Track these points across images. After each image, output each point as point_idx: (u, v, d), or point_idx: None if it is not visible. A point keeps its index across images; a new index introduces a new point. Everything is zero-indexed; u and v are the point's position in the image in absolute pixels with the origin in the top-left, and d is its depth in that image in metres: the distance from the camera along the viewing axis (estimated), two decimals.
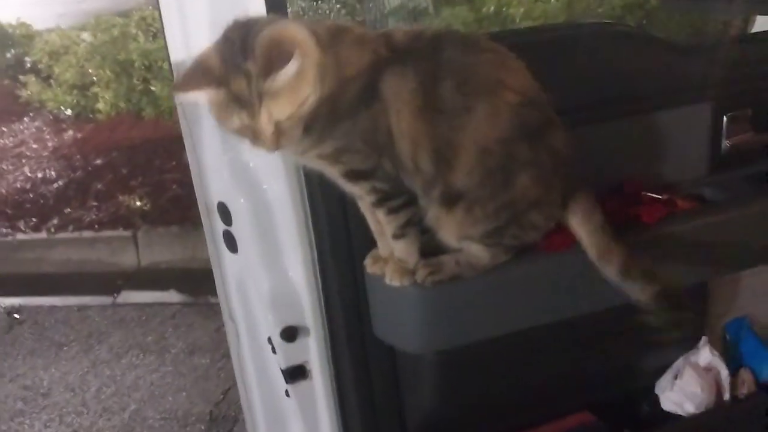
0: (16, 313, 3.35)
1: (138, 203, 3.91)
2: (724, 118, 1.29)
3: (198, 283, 3.14)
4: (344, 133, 0.90)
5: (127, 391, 2.72)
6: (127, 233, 3.72)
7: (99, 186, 4.13)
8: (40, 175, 4.41)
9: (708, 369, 1.43)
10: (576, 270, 1.08)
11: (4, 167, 4.63)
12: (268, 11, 0.98)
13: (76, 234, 3.79)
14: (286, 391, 1.20)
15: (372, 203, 0.99)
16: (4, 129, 5.17)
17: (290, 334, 1.14)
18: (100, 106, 4.84)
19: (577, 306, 1.12)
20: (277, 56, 0.80)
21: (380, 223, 1.03)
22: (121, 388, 2.74)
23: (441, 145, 0.93)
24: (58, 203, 4.05)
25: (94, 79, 4.91)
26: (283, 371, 1.16)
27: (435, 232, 1.01)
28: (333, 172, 0.96)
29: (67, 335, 3.13)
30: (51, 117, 5.13)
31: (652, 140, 1.25)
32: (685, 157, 1.29)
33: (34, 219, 3.95)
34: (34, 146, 4.83)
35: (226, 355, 1.28)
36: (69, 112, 5.05)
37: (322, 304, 1.14)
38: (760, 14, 1.74)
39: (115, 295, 3.42)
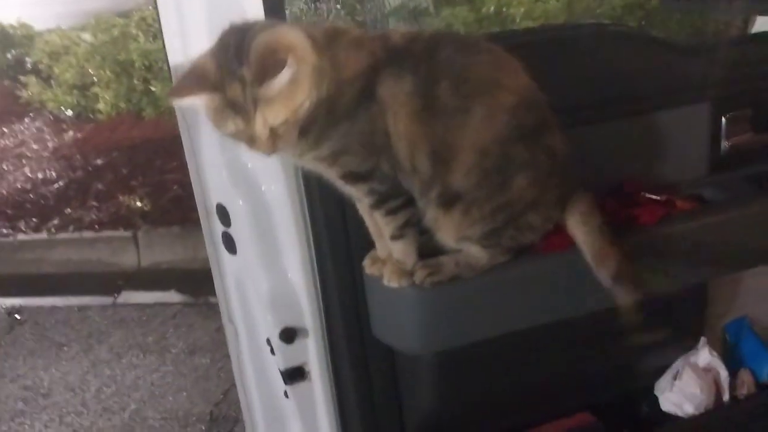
0: (16, 313, 3.35)
1: (138, 203, 3.91)
2: (723, 119, 1.29)
3: (198, 283, 3.14)
4: (342, 136, 0.90)
5: (127, 391, 2.72)
6: (128, 233, 3.72)
7: (99, 186, 4.14)
8: (40, 175, 4.41)
9: (707, 370, 1.43)
10: (574, 271, 1.08)
11: (5, 168, 4.63)
12: (266, 14, 0.98)
13: (76, 234, 3.79)
14: (285, 393, 1.20)
15: (370, 205, 0.99)
16: (5, 129, 5.18)
17: (289, 335, 1.14)
18: (101, 106, 4.85)
19: (575, 306, 1.12)
20: (271, 63, 0.81)
21: (378, 224, 1.03)
22: (121, 388, 2.74)
23: (438, 146, 0.93)
24: (58, 203, 4.06)
25: (95, 79, 4.91)
26: (282, 372, 1.16)
27: (433, 233, 1.01)
28: (331, 174, 0.96)
29: (67, 335, 3.13)
30: (51, 117, 5.13)
31: (652, 141, 1.25)
32: (685, 157, 1.29)
33: (34, 219, 3.95)
34: (35, 147, 4.83)
35: (227, 356, 1.28)
36: (69, 112, 5.06)
37: (321, 305, 1.14)
38: (760, 14, 1.74)
39: (116, 295, 3.42)
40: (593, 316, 1.11)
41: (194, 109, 0.90)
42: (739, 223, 1.22)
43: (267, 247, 1.12)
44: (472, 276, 1.03)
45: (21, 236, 3.87)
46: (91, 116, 4.96)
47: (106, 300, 3.39)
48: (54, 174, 4.39)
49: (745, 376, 1.49)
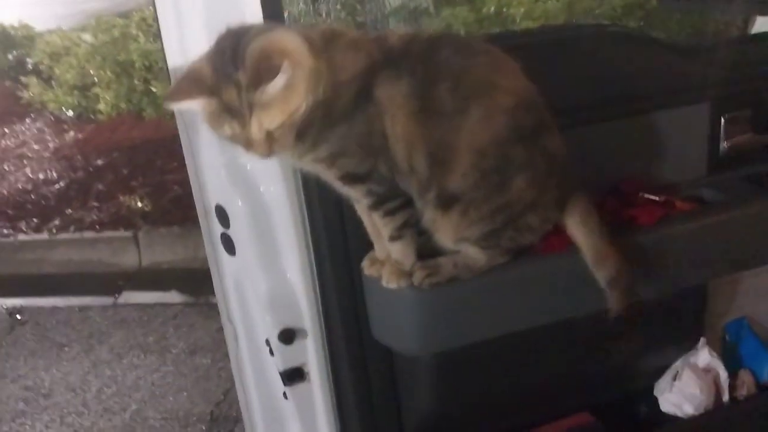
0: (17, 313, 3.36)
1: (139, 204, 3.91)
2: (723, 119, 1.29)
3: (199, 283, 3.14)
4: (339, 138, 0.90)
5: (128, 392, 2.72)
6: (129, 234, 3.73)
7: (100, 186, 4.14)
8: (41, 175, 4.42)
9: (707, 370, 1.43)
10: (573, 272, 1.08)
11: (6, 168, 4.64)
12: (264, 16, 0.98)
13: (77, 234, 3.80)
14: (285, 393, 1.20)
15: (368, 206, 0.99)
16: (6, 130, 5.19)
17: (288, 336, 1.14)
18: (101, 106, 4.86)
19: (574, 307, 1.12)
20: (266, 68, 0.81)
21: (377, 225, 1.03)
22: (122, 388, 2.75)
23: (436, 147, 0.93)
24: (59, 204, 4.06)
25: (95, 79, 4.92)
26: (281, 373, 1.16)
27: (431, 234, 1.01)
28: (329, 176, 0.96)
29: (68, 336, 3.14)
30: (52, 118, 5.15)
31: (651, 141, 1.25)
32: (684, 158, 1.29)
33: (35, 220, 3.96)
34: (36, 147, 4.84)
35: (227, 356, 1.28)
36: (70, 112, 5.07)
37: (320, 306, 1.14)
38: (759, 15, 1.73)
39: (117, 295, 3.43)
40: (592, 316, 1.11)
41: (192, 112, 0.90)
42: (738, 224, 1.22)
43: (266, 248, 1.12)
44: (470, 277, 1.03)
45: (22, 236, 3.88)
46: (92, 117, 4.97)
47: (107, 300, 3.40)
48: (55, 174, 4.40)
49: (744, 377, 1.48)
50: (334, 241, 1.10)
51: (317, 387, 1.19)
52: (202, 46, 0.89)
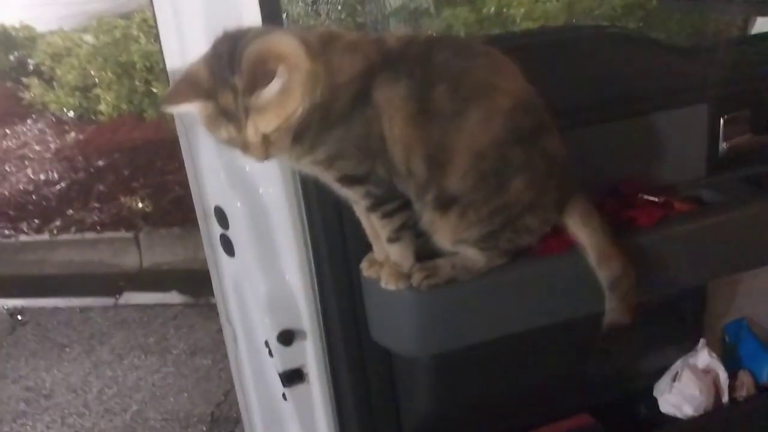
0: (18, 314, 3.36)
1: (140, 204, 3.92)
2: (722, 120, 1.29)
3: (199, 284, 3.15)
4: (337, 140, 0.90)
5: (128, 392, 2.73)
6: (129, 234, 3.74)
7: (101, 187, 4.15)
8: (42, 176, 4.43)
9: (706, 371, 1.43)
10: (572, 273, 1.08)
11: (7, 169, 4.65)
12: (263, 18, 0.98)
13: (78, 235, 3.80)
14: (284, 395, 1.20)
15: (366, 207, 0.99)
16: (7, 131, 5.20)
17: (287, 337, 1.14)
18: (102, 107, 4.87)
19: (573, 309, 1.12)
20: (261, 73, 0.81)
21: (375, 226, 1.03)
22: (122, 389, 2.75)
23: (434, 149, 0.93)
24: (60, 205, 4.07)
25: (96, 80, 4.92)
26: (280, 375, 1.16)
27: (430, 235, 1.01)
28: (327, 177, 0.96)
29: (69, 336, 3.14)
30: (53, 119, 5.15)
31: (650, 142, 1.25)
32: (683, 158, 1.29)
33: (36, 220, 3.96)
34: (37, 148, 4.85)
35: (228, 356, 1.29)
36: (71, 113, 5.08)
37: (319, 307, 1.14)
38: (759, 15, 1.73)
39: (117, 296, 3.43)
40: (592, 317, 1.11)
41: (189, 114, 0.90)
42: (737, 225, 1.22)
43: (265, 250, 1.12)
44: (469, 278, 1.03)
45: (23, 237, 3.89)
46: (93, 118, 4.98)
47: (108, 301, 3.40)
48: (56, 175, 4.40)
49: (744, 378, 1.48)
50: (333, 243, 1.10)
51: (316, 388, 1.19)
52: (200, 48, 0.90)
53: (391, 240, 1.01)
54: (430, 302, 1.05)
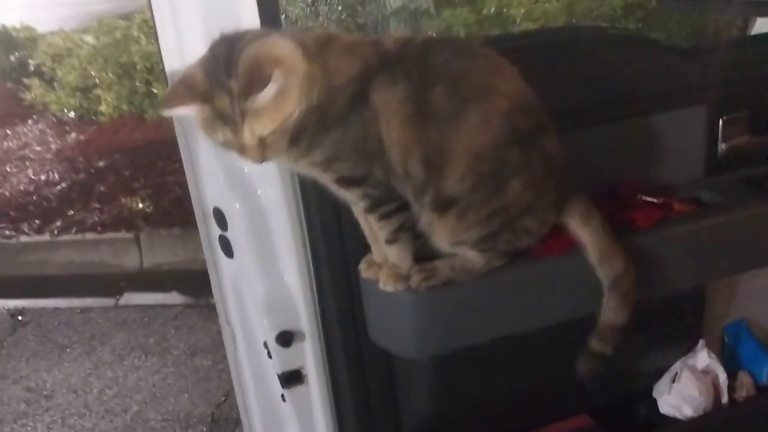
0: (19, 315, 3.37)
1: (140, 205, 3.92)
2: (721, 121, 1.29)
3: (200, 284, 3.15)
4: (334, 142, 0.90)
5: (129, 393, 2.73)
6: (130, 235, 3.74)
7: (102, 188, 4.15)
8: (43, 177, 4.43)
9: (706, 372, 1.43)
10: (571, 274, 1.08)
11: (8, 170, 4.65)
12: (261, 20, 0.98)
13: (79, 236, 3.81)
14: (283, 396, 1.20)
15: (364, 209, 0.99)
16: (8, 132, 5.20)
17: (286, 339, 1.14)
18: (103, 108, 4.87)
19: (572, 310, 1.12)
20: (257, 77, 0.81)
21: (373, 228, 1.03)
22: (123, 389, 2.75)
23: (431, 151, 0.93)
24: (61, 205, 4.07)
25: (97, 81, 4.93)
26: (279, 376, 1.17)
27: (428, 237, 1.01)
28: (325, 179, 0.96)
29: (69, 337, 3.14)
30: (54, 119, 5.16)
31: (649, 143, 1.25)
32: (682, 160, 1.29)
33: (37, 221, 3.96)
34: (38, 149, 4.86)
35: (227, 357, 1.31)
36: (72, 114, 5.08)
37: (318, 309, 1.14)
38: (759, 16, 1.73)
39: (118, 296, 3.44)
40: (591, 318, 1.11)
41: (187, 117, 0.90)
42: (736, 226, 1.22)
43: (263, 251, 1.13)
44: (467, 280, 1.03)
45: (24, 238, 3.89)
46: (94, 118, 4.98)
47: (109, 301, 3.41)
48: (57, 176, 4.41)
49: (744, 379, 1.48)
50: (332, 244, 1.10)
51: (315, 389, 1.19)
52: (198, 49, 0.90)
53: (390, 241, 1.01)
54: (429, 303, 1.05)
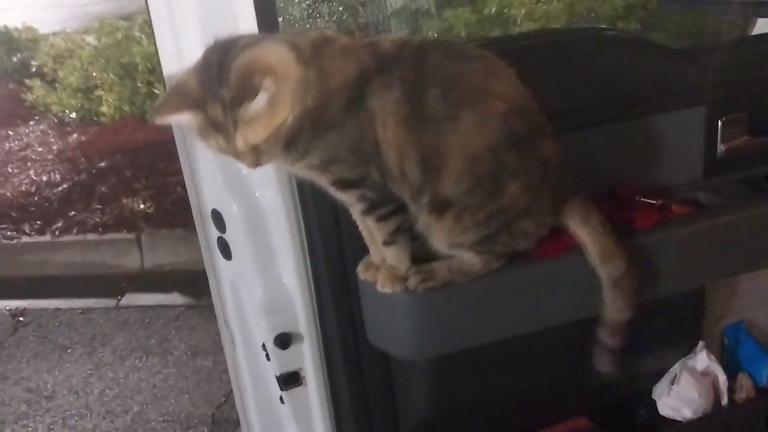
0: (20, 315, 3.37)
1: (142, 206, 3.93)
2: (720, 122, 1.28)
3: (201, 285, 3.13)
4: (331, 145, 0.90)
5: (130, 394, 2.73)
6: (131, 236, 3.74)
7: (103, 189, 4.16)
8: (44, 178, 4.43)
9: (705, 374, 1.43)
10: (568, 277, 1.08)
11: (10, 170, 4.66)
12: (258, 22, 0.98)
13: (80, 237, 3.81)
14: (281, 398, 1.20)
15: (361, 211, 0.99)
16: (10, 132, 5.21)
17: (284, 340, 1.14)
18: (104, 109, 4.87)
19: (570, 312, 1.12)
20: (248, 87, 0.81)
21: (371, 230, 1.03)
22: (124, 390, 2.76)
23: (428, 153, 0.93)
24: (62, 206, 4.08)
25: (98, 82, 4.94)
26: (277, 378, 1.17)
27: (426, 239, 1.01)
28: (322, 181, 0.96)
29: (70, 338, 3.15)
30: (56, 120, 5.16)
31: (648, 144, 1.25)
32: (681, 161, 1.28)
33: (38, 222, 3.97)
34: (39, 149, 4.86)
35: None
36: (73, 115, 5.08)
37: (316, 310, 1.15)
38: (759, 17, 1.73)
39: (119, 297, 3.44)
40: (590, 319, 1.11)
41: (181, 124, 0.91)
42: (735, 227, 1.21)
43: (262, 253, 1.13)
44: (465, 282, 1.03)
45: (25, 239, 3.90)
46: (95, 119, 4.99)
47: (110, 302, 3.41)
48: (58, 177, 4.41)
49: (743, 380, 1.48)
50: (330, 246, 1.10)
51: (314, 391, 1.19)
52: (196, 52, 0.90)
53: (387, 243, 1.01)
54: (427, 305, 1.05)
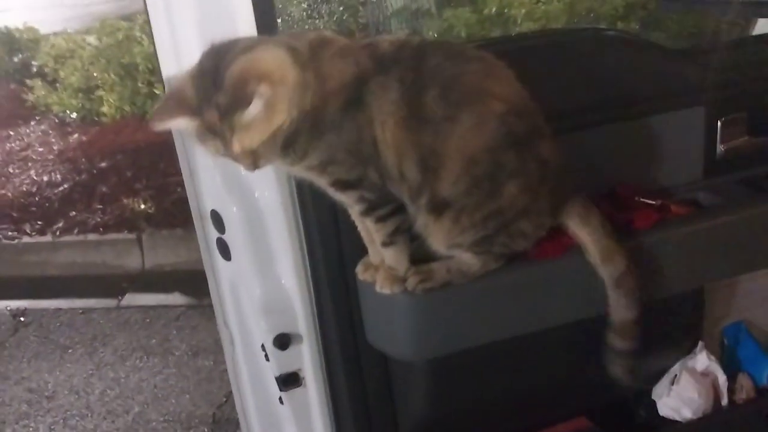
0: (21, 315, 3.38)
1: (142, 206, 3.93)
2: (719, 123, 1.28)
3: (202, 285, 3.13)
4: (329, 146, 0.90)
5: (130, 394, 2.74)
6: (132, 236, 3.75)
7: (104, 189, 4.16)
8: (45, 178, 4.44)
9: (705, 374, 1.42)
10: (567, 277, 1.08)
11: (11, 170, 4.67)
12: (257, 24, 0.98)
13: (81, 237, 3.82)
14: (280, 398, 1.20)
15: (360, 212, 0.99)
16: (11, 132, 5.21)
17: (283, 341, 1.14)
18: (105, 109, 4.88)
19: (568, 313, 1.12)
20: (243, 93, 0.82)
21: (370, 230, 1.03)
22: (124, 390, 2.76)
23: (426, 154, 0.93)
24: (63, 206, 4.08)
25: (99, 82, 4.94)
26: (276, 378, 1.17)
27: (424, 239, 1.01)
28: (321, 182, 0.96)
29: (71, 338, 3.15)
30: (57, 120, 5.16)
31: (647, 145, 1.25)
32: (680, 161, 1.28)
33: (39, 222, 3.98)
34: (40, 150, 4.87)
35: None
36: (74, 115, 5.09)
37: (315, 311, 1.15)
38: (759, 17, 1.73)
39: (120, 297, 3.45)
40: (589, 320, 1.11)
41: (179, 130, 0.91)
42: (735, 228, 1.21)
43: (261, 254, 1.13)
44: (464, 282, 1.03)
45: (26, 239, 3.91)
46: (96, 119, 4.99)
47: (111, 302, 3.41)
48: (59, 177, 4.42)
49: (743, 381, 1.48)
50: (329, 246, 1.10)
51: (313, 392, 1.19)
52: (195, 54, 0.90)
53: (386, 244, 1.01)
54: (426, 306, 1.05)
